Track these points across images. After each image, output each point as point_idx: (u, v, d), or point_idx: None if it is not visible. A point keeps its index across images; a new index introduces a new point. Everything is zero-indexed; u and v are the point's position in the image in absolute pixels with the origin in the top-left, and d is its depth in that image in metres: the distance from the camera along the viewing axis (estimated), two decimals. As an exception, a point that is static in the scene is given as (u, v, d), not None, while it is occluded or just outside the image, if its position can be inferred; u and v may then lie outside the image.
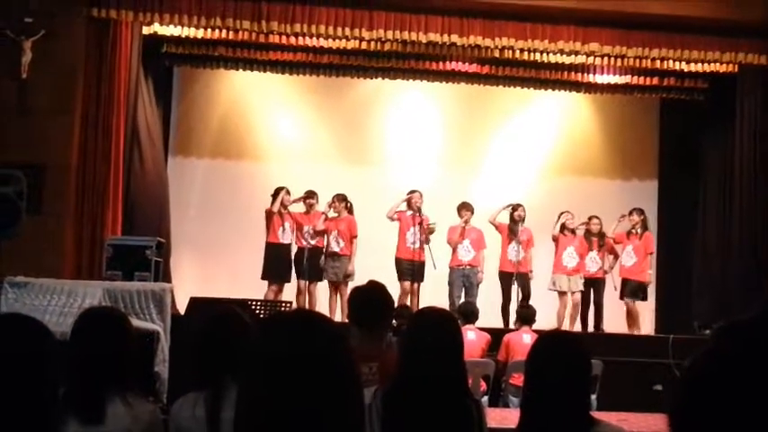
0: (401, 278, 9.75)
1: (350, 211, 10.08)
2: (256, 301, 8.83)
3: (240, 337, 2.90)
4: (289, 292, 9.91)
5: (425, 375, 2.68)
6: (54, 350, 1.60)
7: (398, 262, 9.85)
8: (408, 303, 9.24)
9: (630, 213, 10.24)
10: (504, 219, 10.18)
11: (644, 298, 10.26)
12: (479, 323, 8.69)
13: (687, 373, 1.22)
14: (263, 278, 9.86)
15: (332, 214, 10.01)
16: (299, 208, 10.12)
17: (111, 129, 9.30)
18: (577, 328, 9.89)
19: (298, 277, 9.95)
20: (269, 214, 9.91)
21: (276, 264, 9.86)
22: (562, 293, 10.06)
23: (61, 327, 5.38)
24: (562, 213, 10.19)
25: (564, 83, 11.41)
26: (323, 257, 9.94)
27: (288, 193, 9.98)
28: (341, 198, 10.03)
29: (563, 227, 10.12)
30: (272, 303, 8.79)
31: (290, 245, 9.97)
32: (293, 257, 9.99)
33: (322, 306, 9.83)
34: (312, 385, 1.36)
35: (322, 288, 10.05)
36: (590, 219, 10.19)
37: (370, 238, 10.13)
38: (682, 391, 1.21)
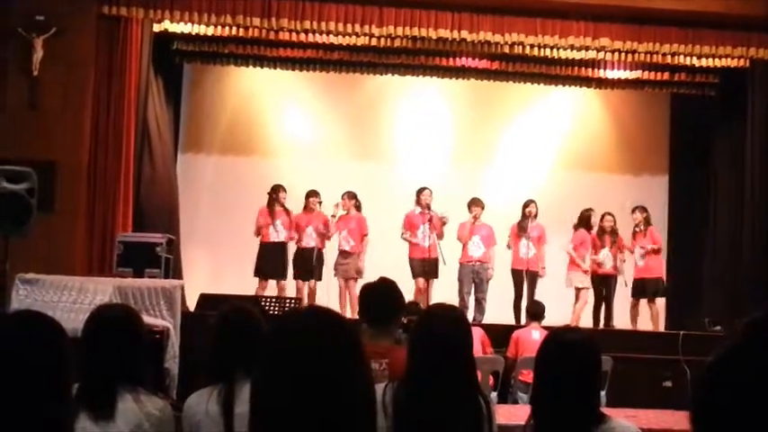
0: (416, 276, 9.75)
1: (358, 208, 10.07)
2: (267, 297, 8.86)
3: (253, 334, 2.92)
4: (290, 290, 9.92)
5: (435, 372, 2.69)
6: (67, 347, 1.61)
7: (412, 261, 9.85)
8: (419, 300, 9.23)
9: (633, 212, 10.18)
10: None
11: (663, 294, 10.18)
12: (488, 319, 8.71)
13: (713, 368, 1.21)
14: (255, 275, 9.88)
15: (341, 212, 10.01)
16: (301, 207, 10.10)
17: (121, 126, 9.34)
18: (583, 324, 9.83)
19: (295, 277, 9.93)
20: (262, 212, 9.94)
21: (265, 262, 9.86)
22: (579, 290, 10.01)
23: (72, 323, 5.39)
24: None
25: (574, 78, 11.37)
26: (336, 255, 9.97)
27: (284, 191, 9.99)
28: (351, 195, 10.04)
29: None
30: (280, 300, 8.82)
31: (283, 243, 9.96)
32: (293, 257, 9.99)
33: (326, 304, 9.82)
34: (325, 381, 1.37)
35: (321, 287, 10.05)
36: (603, 216, 10.14)
37: (379, 234, 10.13)
38: (707, 386, 1.20)
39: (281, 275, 9.90)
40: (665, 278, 10.32)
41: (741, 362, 1.18)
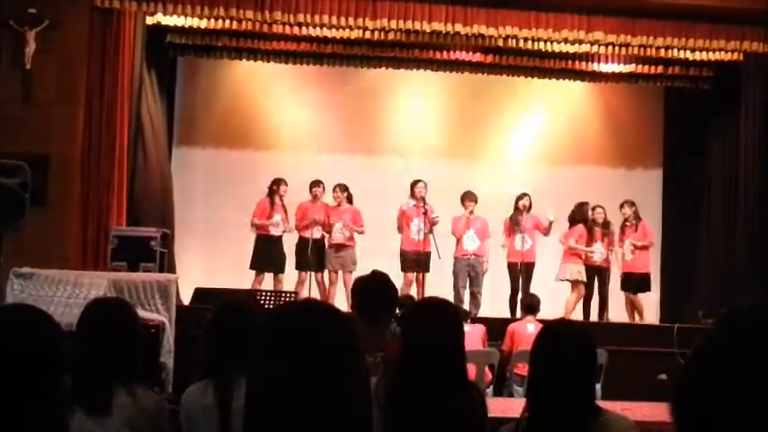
0: (405, 269, 9.74)
1: (350, 200, 10.08)
2: (263, 291, 8.86)
3: (249, 327, 2.91)
4: (288, 283, 9.93)
5: (426, 364, 2.69)
6: (60, 340, 1.60)
7: (403, 254, 9.84)
8: (414, 294, 9.23)
9: (621, 206, 10.19)
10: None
11: (648, 289, 10.23)
12: (484, 312, 8.70)
13: (688, 365, 1.23)
14: (251, 268, 9.88)
15: (332, 204, 10.03)
16: (305, 198, 10.11)
17: (115, 119, 9.31)
18: (576, 316, 9.84)
19: (299, 268, 9.93)
20: (262, 205, 9.94)
21: (262, 255, 9.87)
22: (575, 282, 10.02)
23: (67, 318, 5.39)
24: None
25: (568, 72, 11.37)
26: (326, 248, 9.98)
27: (285, 184, 9.99)
28: (342, 188, 10.04)
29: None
30: (276, 293, 8.82)
31: (280, 237, 9.96)
32: (295, 248, 9.99)
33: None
34: (320, 374, 1.37)
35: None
36: (594, 208, 10.15)
37: (373, 227, 10.14)
38: (683, 379, 1.22)
39: (278, 269, 9.90)
40: (651, 273, 10.32)
41: (713, 359, 1.20)
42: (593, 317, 9.98)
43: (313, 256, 9.80)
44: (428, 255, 9.66)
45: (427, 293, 9.21)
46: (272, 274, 9.94)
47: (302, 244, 9.95)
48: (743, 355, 1.18)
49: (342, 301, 9.33)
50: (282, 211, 9.98)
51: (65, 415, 1.62)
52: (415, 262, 9.70)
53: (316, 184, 10.05)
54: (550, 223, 9.98)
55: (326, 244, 10.02)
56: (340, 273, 9.95)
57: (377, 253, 9.63)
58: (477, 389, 2.86)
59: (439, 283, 9.58)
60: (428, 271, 9.72)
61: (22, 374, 1.50)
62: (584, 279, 9.96)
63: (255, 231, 9.99)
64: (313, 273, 9.95)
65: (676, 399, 1.23)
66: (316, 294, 9.81)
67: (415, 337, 2.79)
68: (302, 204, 10.06)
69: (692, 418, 1.20)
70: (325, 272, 10.07)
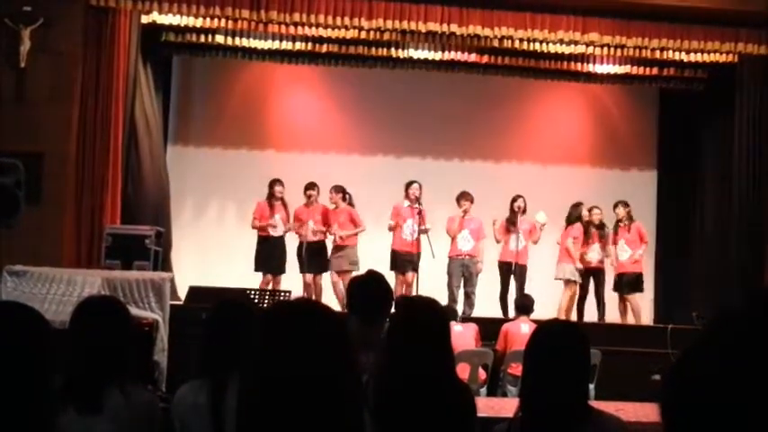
0: (396, 269, 9.73)
1: (349, 202, 10.05)
2: (256, 290, 8.86)
3: (243, 327, 2.91)
4: (289, 284, 9.90)
5: (411, 366, 2.68)
6: (49, 338, 1.59)
7: (394, 254, 9.84)
8: (407, 294, 9.23)
9: (615, 207, 10.22)
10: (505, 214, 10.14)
11: (641, 289, 10.25)
12: (477, 313, 8.69)
13: (677, 365, 1.23)
14: (256, 270, 9.87)
15: (330, 206, 10.02)
16: (300, 200, 10.09)
17: (109, 118, 9.29)
18: (574, 317, 9.87)
19: (301, 270, 9.92)
20: (261, 206, 9.93)
21: (263, 257, 9.86)
22: (567, 282, 10.04)
23: (60, 315, 5.40)
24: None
25: (563, 73, 11.38)
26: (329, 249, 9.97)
27: (281, 184, 9.97)
28: (338, 189, 10.01)
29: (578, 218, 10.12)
30: (270, 293, 8.81)
31: (281, 237, 9.95)
32: (297, 251, 9.97)
33: (328, 297, 9.82)
34: (312, 374, 1.37)
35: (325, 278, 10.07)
36: (591, 209, 10.16)
37: (369, 227, 10.13)
38: (671, 382, 1.22)
39: (277, 270, 9.87)
40: (644, 274, 10.34)
41: (703, 359, 1.20)
42: (592, 318, 9.98)
43: (308, 257, 9.77)
44: (418, 255, 9.64)
45: (421, 293, 9.19)
46: (277, 275, 9.91)
47: (299, 246, 9.94)
48: (731, 356, 1.18)
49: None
50: (283, 210, 9.96)
51: (53, 414, 1.61)
52: (407, 262, 9.70)
53: (310, 186, 9.99)
54: (541, 227, 9.96)
55: (325, 245, 9.99)
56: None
57: (374, 253, 9.63)
58: (465, 389, 2.86)
59: (432, 283, 9.57)
60: (416, 271, 9.68)
61: (8, 373, 1.49)
62: (578, 279, 9.97)
63: (258, 232, 9.96)
64: (312, 275, 9.93)
65: (664, 400, 1.23)
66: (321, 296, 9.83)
67: (399, 337, 2.78)
68: (297, 209, 10.03)
69: (680, 420, 1.20)
70: (325, 273, 10.03)
